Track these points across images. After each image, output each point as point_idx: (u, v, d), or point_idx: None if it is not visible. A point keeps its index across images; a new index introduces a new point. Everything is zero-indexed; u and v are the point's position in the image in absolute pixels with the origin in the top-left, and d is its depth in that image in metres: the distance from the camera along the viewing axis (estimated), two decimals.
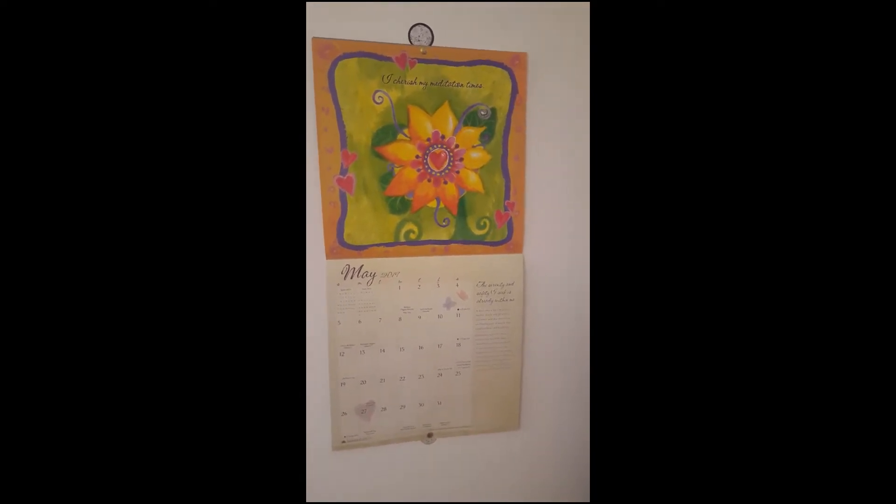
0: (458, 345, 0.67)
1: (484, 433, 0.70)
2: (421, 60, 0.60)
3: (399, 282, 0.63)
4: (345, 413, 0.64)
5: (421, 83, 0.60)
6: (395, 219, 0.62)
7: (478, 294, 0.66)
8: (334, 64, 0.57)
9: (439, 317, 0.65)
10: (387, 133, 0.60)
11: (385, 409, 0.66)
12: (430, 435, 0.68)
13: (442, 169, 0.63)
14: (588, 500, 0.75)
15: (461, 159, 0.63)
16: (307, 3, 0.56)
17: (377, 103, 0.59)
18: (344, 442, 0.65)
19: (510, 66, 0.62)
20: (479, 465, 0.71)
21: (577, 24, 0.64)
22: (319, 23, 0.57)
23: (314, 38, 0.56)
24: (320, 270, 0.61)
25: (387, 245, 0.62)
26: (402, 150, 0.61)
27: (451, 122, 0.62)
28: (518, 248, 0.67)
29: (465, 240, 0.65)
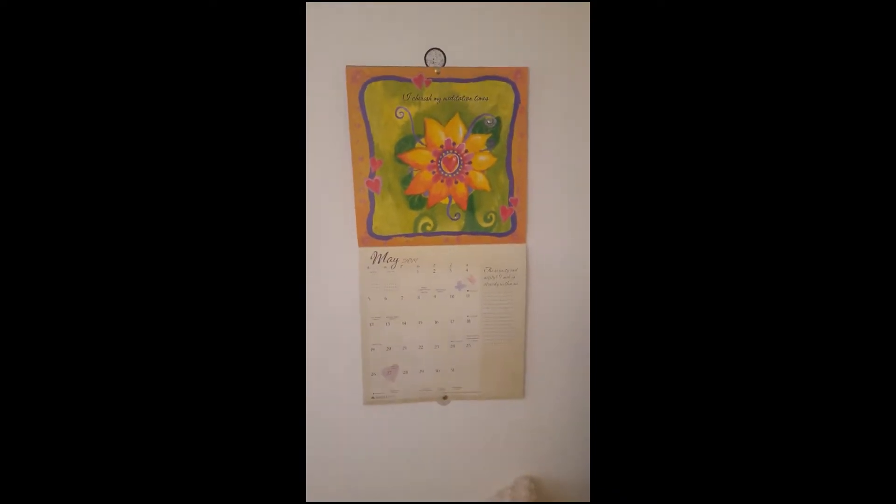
0: (468, 321, 0.78)
1: (492, 399, 0.81)
2: (435, 80, 0.71)
3: (417, 266, 0.75)
4: (374, 374, 0.78)
5: (435, 99, 0.71)
6: (414, 214, 0.74)
7: (485, 278, 0.77)
8: (364, 87, 0.70)
9: (451, 297, 0.77)
10: (407, 142, 0.72)
11: (406, 372, 0.79)
12: (445, 397, 0.81)
13: (453, 171, 0.73)
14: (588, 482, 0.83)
15: (470, 162, 0.73)
16: (341, 36, 0.68)
17: (399, 118, 0.71)
18: (373, 398, 0.79)
19: (513, 80, 0.71)
20: (487, 426, 0.82)
21: (573, 39, 0.71)
22: (351, 53, 0.69)
23: (347, 66, 0.69)
24: (353, 256, 0.75)
25: (407, 236, 0.75)
26: (420, 156, 0.72)
27: (461, 130, 0.72)
28: (521, 239, 0.76)
29: (473, 231, 0.75)
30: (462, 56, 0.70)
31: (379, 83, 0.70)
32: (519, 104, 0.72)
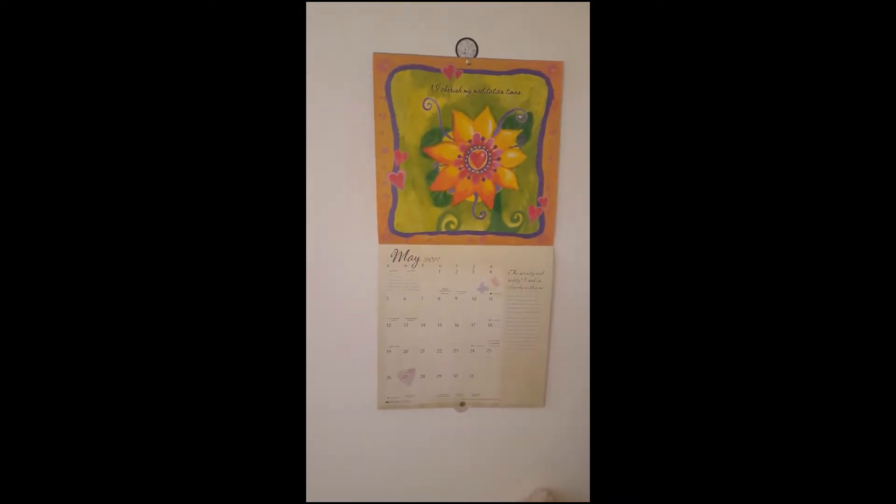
0: (490, 325, 0.75)
1: (511, 407, 0.78)
2: (466, 71, 0.67)
3: (439, 266, 0.72)
4: (389, 377, 0.75)
5: (465, 91, 0.68)
6: (438, 211, 0.71)
7: (509, 281, 0.73)
8: (391, 76, 0.66)
9: (473, 299, 0.74)
10: (434, 136, 0.68)
11: (424, 376, 0.75)
12: (462, 404, 0.77)
13: (481, 167, 0.70)
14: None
15: (498, 159, 0.70)
16: (369, 22, 0.65)
17: (426, 109, 0.68)
18: (388, 402, 0.76)
19: (547, 74, 0.68)
20: (505, 435, 0.79)
21: None
22: (380, 40, 0.66)
23: (374, 53, 0.66)
24: (373, 253, 0.71)
25: (430, 234, 0.71)
26: (447, 151, 0.69)
27: (490, 125, 0.69)
28: (549, 241, 0.73)
29: (499, 231, 0.72)
30: (495, 47, 0.67)
31: (407, 72, 0.67)
32: (552, 100, 0.69)
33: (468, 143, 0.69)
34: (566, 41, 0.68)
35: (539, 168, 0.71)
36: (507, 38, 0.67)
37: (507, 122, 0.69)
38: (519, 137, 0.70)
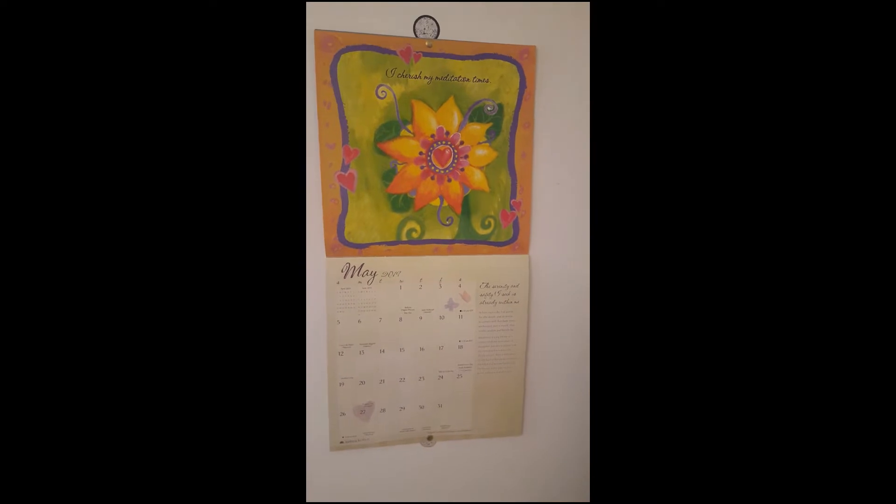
0: (460, 347, 0.65)
1: (485, 437, 0.69)
2: (426, 54, 0.58)
3: (400, 281, 0.62)
4: (343, 413, 0.64)
5: (426, 77, 0.58)
6: (398, 217, 0.60)
7: (481, 296, 0.64)
8: (337, 57, 0.56)
9: (441, 318, 0.64)
10: (390, 129, 0.58)
11: (384, 410, 0.65)
12: (430, 438, 0.67)
13: (446, 166, 0.61)
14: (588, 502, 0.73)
15: (466, 156, 0.61)
16: None
17: (380, 98, 0.57)
18: (342, 442, 0.64)
19: (518, 60, 0.60)
20: (479, 470, 0.70)
21: (587, 16, 0.61)
22: (322, 15, 0.55)
23: (316, 31, 0.55)
24: (320, 268, 0.60)
25: (388, 244, 0.61)
26: (406, 147, 0.59)
27: (456, 117, 0.60)
28: (524, 249, 0.65)
29: (468, 240, 0.63)
30: (459, 28, 0.58)
31: (356, 54, 0.56)
32: (525, 89, 0.61)
33: (431, 138, 0.60)
34: (539, 23, 0.60)
35: (511, 167, 0.62)
36: (473, 17, 0.59)
37: (475, 114, 0.60)
38: (488, 132, 0.61)
